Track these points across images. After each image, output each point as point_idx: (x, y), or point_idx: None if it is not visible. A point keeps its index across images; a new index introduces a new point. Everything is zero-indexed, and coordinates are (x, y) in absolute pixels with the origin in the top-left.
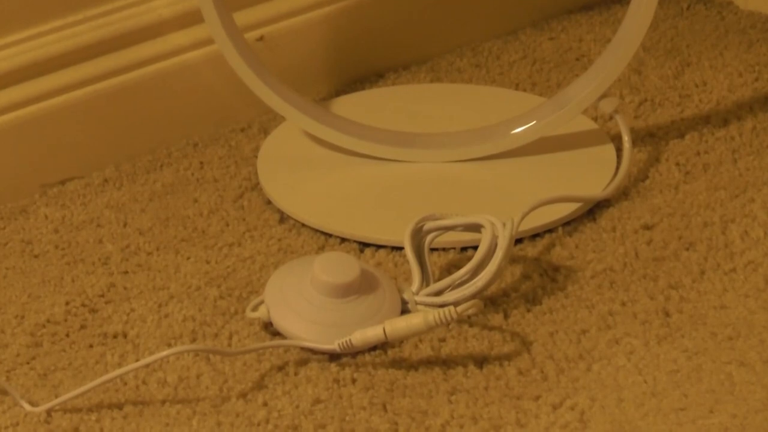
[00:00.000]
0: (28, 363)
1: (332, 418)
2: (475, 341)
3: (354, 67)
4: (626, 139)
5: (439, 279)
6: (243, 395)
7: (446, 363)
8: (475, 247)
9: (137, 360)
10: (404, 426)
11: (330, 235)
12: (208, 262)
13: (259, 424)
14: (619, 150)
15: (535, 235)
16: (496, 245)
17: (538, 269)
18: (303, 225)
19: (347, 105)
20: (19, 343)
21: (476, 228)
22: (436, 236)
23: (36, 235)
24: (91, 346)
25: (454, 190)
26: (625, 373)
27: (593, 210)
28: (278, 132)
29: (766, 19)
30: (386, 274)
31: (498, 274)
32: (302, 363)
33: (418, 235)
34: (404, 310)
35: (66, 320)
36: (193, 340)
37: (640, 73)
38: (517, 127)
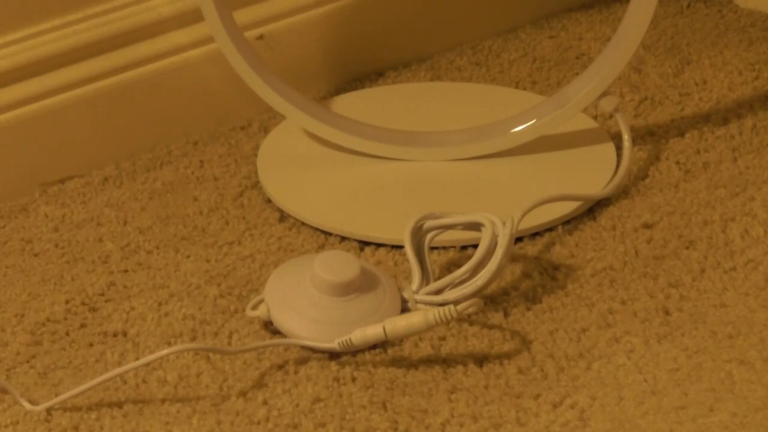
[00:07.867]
0: (28, 361)
1: (332, 417)
2: (475, 340)
3: (354, 66)
4: (626, 137)
5: (439, 277)
6: (243, 394)
7: (446, 361)
8: (475, 246)
9: (137, 359)
10: (404, 424)
11: (330, 234)
12: (208, 261)
13: (259, 423)
14: (619, 148)
15: (535, 234)
16: (496, 244)
17: (538, 268)
18: (303, 223)
19: (347, 103)
20: (19, 342)
21: (476, 226)
22: (436, 235)
23: (36, 233)
24: (91, 344)
25: (454, 188)
26: (625, 371)
27: (593, 208)
28: (278, 130)
29: (766, 18)
30: (386, 273)
31: (498, 272)
32: (302, 361)
33: (418, 233)
34: (404, 309)
35: (66, 319)
36: (193, 339)
37: (640, 71)
38: (517, 126)
